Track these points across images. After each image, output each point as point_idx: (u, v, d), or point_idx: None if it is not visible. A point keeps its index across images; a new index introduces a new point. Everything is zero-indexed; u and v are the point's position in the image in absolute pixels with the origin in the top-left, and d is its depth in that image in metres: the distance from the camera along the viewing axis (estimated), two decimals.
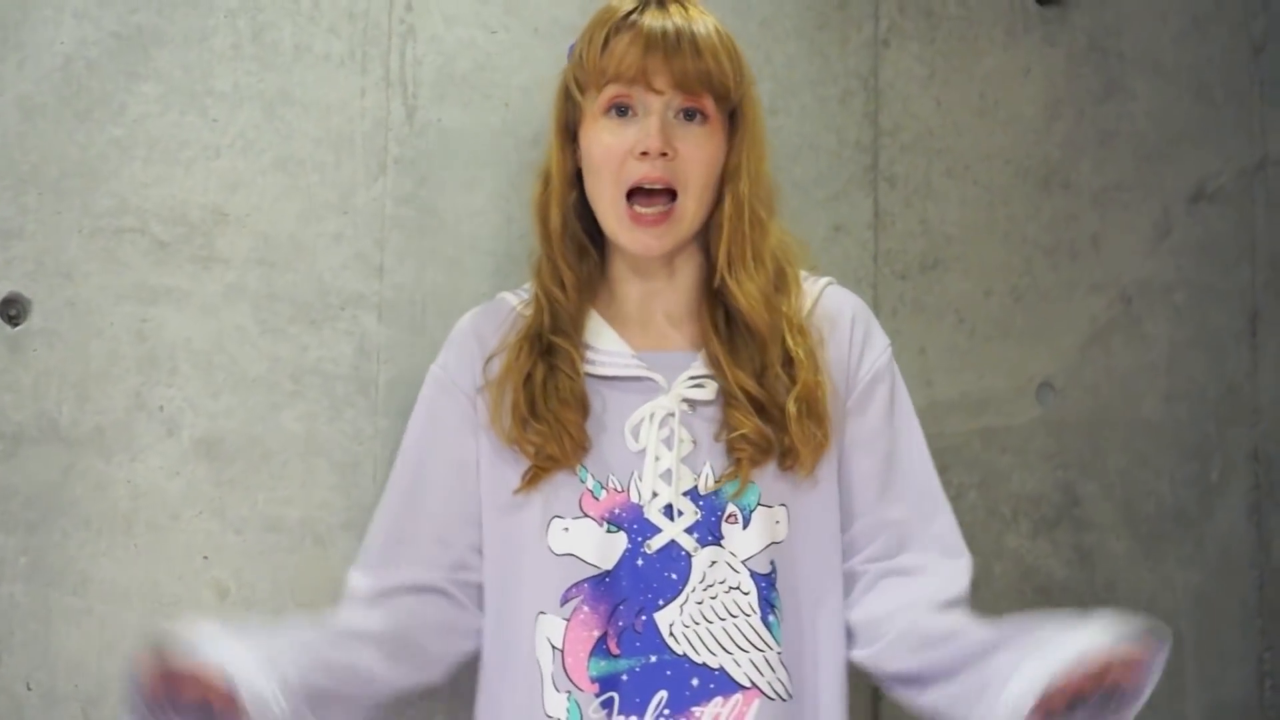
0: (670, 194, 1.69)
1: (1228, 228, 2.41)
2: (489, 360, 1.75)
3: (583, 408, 1.71)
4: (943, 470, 2.16)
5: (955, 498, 2.18)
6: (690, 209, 1.70)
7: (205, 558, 1.83)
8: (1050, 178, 2.30)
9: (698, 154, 1.69)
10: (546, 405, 1.69)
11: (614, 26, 1.69)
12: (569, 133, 1.76)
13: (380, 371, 1.92)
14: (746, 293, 1.70)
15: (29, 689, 1.76)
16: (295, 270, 1.89)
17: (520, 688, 1.70)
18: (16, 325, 1.78)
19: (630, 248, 1.72)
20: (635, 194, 1.69)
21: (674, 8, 1.70)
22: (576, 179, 1.76)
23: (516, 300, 1.81)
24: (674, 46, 1.66)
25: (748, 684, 1.65)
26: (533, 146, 1.99)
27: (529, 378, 1.71)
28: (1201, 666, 2.33)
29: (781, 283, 1.75)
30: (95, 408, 1.80)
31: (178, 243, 1.85)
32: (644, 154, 1.67)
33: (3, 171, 1.78)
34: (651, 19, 1.68)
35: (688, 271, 1.77)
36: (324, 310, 1.90)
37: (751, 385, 1.68)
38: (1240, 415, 2.39)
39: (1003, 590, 2.22)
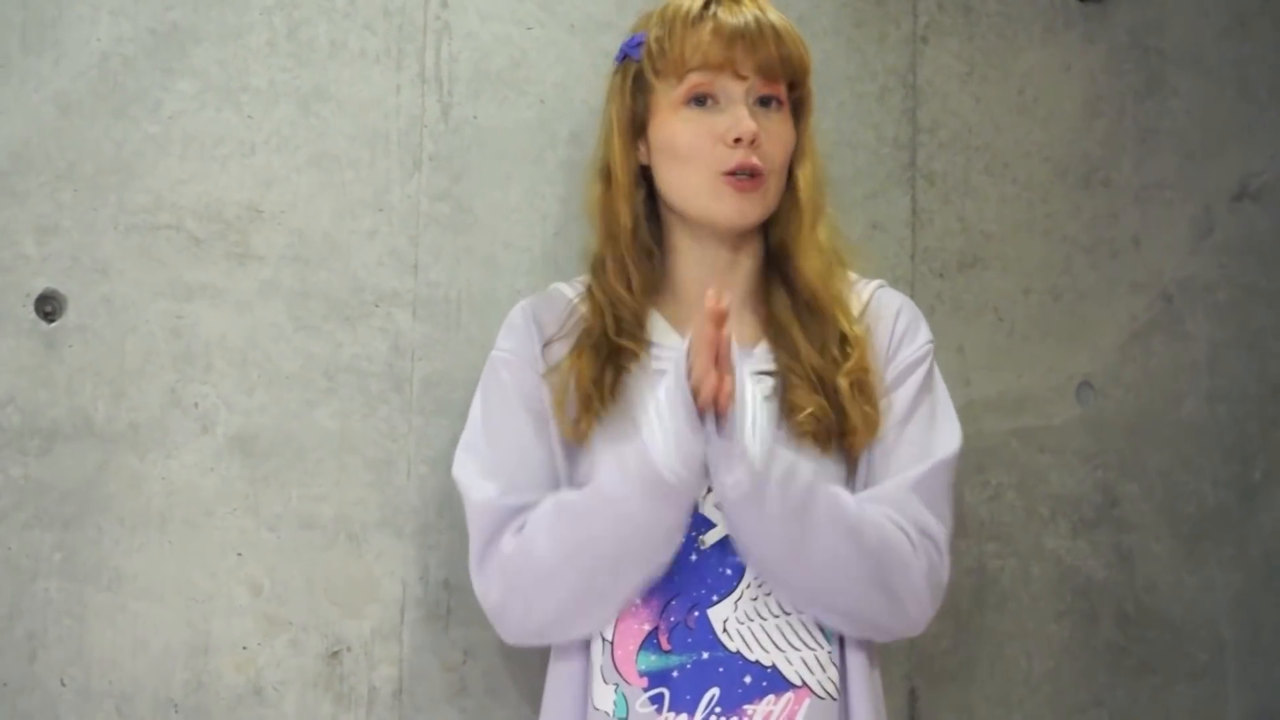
0: (756, 176, 1.71)
1: (1270, 226, 2.38)
2: (548, 344, 1.75)
3: None
4: (980, 470, 2.16)
5: (993, 498, 2.17)
6: (774, 188, 1.74)
7: (239, 555, 1.83)
8: (1090, 175, 2.28)
9: (777, 139, 1.73)
10: (617, 406, 1.70)
11: (695, 16, 1.72)
12: (635, 129, 1.77)
13: (415, 369, 1.91)
14: (813, 270, 1.74)
15: (63, 685, 1.76)
16: (330, 267, 1.89)
17: (571, 678, 1.70)
18: (52, 321, 1.78)
19: (726, 218, 1.72)
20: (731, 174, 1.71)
21: (747, 1, 1.74)
22: (642, 176, 1.77)
23: (572, 292, 1.80)
24: (757, 34, 1.70)
25: (799, 683, 1.65)
26: (568, 143, 1.99)
27: (597, 381, 1.70)
28: (1244, 669, 2.30)
29: (833, 270, 1.78)
30: (130, 404, 1.80)
31: (213, 239, 1.85)
32: (737, 140, 1.69)
33: (39, 168, 1.79)
34: (729, 12, 1.71)
35: (750, 259, 1.79)
36: (359, 307, 1.90)
37: (817, 360, 1.70)
38: None
39: (1040, 591, 2.20)
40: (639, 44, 1.76)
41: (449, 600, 1.90)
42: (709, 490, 1.64)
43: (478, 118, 1.97)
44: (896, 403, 1.73)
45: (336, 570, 1.87)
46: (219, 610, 1.82)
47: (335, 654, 1.87)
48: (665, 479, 1.54)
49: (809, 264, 1.75)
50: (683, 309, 1.77)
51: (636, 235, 1.76)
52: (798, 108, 1.78)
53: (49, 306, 1.78)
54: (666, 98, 1.73)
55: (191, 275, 1.84)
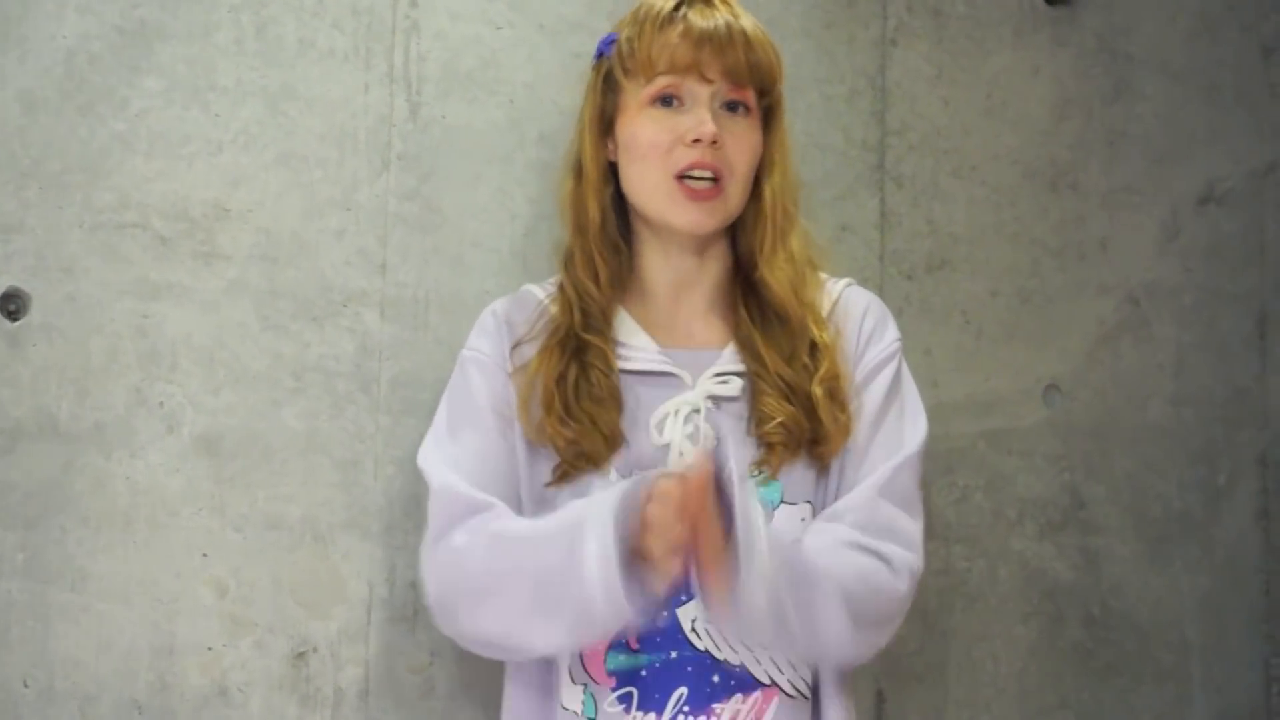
0: (716, 180, 1.71)
1: (1237, 230, 2.39)
2: (517, 345, 1.75)
3: (617, 404, 1.71)
4: (948, 471, 2.16)
5: (960, 500, 2.17)
6: (735, 194, 1.73)
7: (204, 555, 1.82)
8: (1058, 179, 2.29)
9: (742, 144, 1.73)
10: (580, 405, 1.69)
11: (666, 18, 1.72)
12: (604, 126, 1.78)
13: (382, 369, 1.91)
14: (779, 281, 1.73)
15: (26, 686, 1.75)
16: (297, 266, 1.88)
17: (535, 678, 1.70)
18: (16, 320, 1.77)
19: (681, 224, 1.72)
20: (683, 177, 1.71)
21: (720, 4, 1.74)
22: (611, 172, 1.78)
23: (543, 294, 1.81)
24: (725, 39, 1.70)
25: (768, 681, 1.65)
26: (537, 144, 1.99)
27: (561, 379, 1.71)
28: (1208, 671, 2.31)
29: (805, 278, 1.77)
30: (95, 404, 1.79)
31: (179, 238, 1.84)
32: (696, 141, 1.69)
33: (3, 165, 1.78)
34: (700, 14, 1.72)
35: (716, 264, 1.79)
36: (326, 307, 1.89)
37: (785, 370, 1.69)
38: (1248, 419, 2.38)
39: (1008, 593, 2.20)
40: (612, 42, 1.77)
41: (416, 601, 1.90)
42: None
43: (446, 117, 1.96)
44: (866, 404, 1.73)
45: (303, 571, 1.86)
46: (184, 611, 1.81)
47: (301, 655, 1.86)
48: (597, 613, 1.53)
49: (776, 275, 1.74)
50: (650, 309, 1.77)
51: (604, 229, 1.76)
52: (768, 116, 1.78)
53: (13, 305, 1.77)
54: (634, 97, 1.73)
55: (158, 274, 1.83)
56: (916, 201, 2.21)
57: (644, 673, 1.64)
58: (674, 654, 1.64)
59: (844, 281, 1.84)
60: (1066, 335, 2.28)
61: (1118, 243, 2.32)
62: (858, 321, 1.78)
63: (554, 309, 1.77)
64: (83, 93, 1.81)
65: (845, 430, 1.70)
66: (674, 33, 1.70)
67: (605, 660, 1.65)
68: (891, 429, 1.74)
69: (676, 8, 1.72)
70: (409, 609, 1.90)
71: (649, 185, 1.73)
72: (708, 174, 1.70)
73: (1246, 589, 2.35)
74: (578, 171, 1.79)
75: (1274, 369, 2.40)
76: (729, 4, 1.75)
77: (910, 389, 1.78)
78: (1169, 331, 2.34)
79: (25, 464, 1.76)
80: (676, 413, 1.69)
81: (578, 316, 1.74)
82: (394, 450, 1.90)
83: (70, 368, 1.79)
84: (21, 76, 1.79)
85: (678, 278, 1.77)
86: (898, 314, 2.14)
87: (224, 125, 1.87)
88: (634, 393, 1.72)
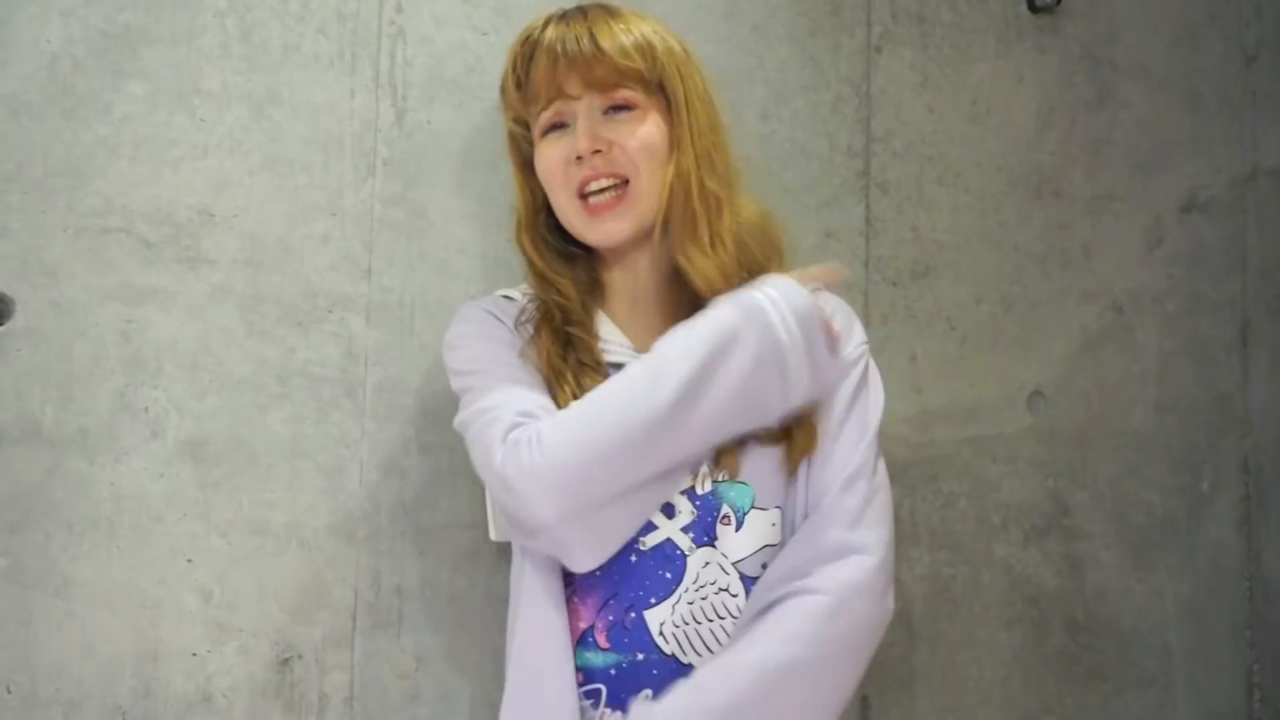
0: (622, 183, 1.71)
1: (1219, 238, 2.40)
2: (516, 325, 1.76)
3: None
4: (932, 478, 2.16)
5: (944, 506, 2.18)
6: (644, 188, 1.71)
7: (189, 561, 1.82)
8: (1042, 186, 2.30)
9: (631, 139, 1.71)
10: (578, 383, 1.68)
11: (523, 55, 1.74)
12: (528, 166, 1.79)
13: (368, 374, 1.91)
14: (699, 269, 1.69)
15: (9, 692, 1.74)
16: (282, 271, 1.88)
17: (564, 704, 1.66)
18: (0, 325, 1.76)
19: (596, 240, 1.74)
20: (587, 195, 1.72)
21: (575, 16, 1.73)
22: (545, 206, 1.79)
23: (519, 295, 1.80)
24: (576, 53, 1.69)
25: None
26: None
27: (564, 359, 1.70)
28: (1191, 677, 2.32)
29: (751, 267, 1.72)
30: (79, 409, 1.78)
31: (164, 243, 1.83)
32: (579, 158, 1.70)
33: None
34: (555, 32, 1.71)
35: (664, 264, 1.75)
36: (311, 312, 1.89)
37: None
38: (1230, 426, 2.39)
39: (991, 600, 2.21)
40: None
41: (401, 607, 1.89)
42: None
43: (432, 123, 1.96)
44: (835, 407, 1.70)
45: (287, 577, 1.86)
46: (168, 616, 1.80)
47: (286, 661, 1.85)
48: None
49: (696, 265, 1.69)
50: (619, 311, 1.77)
51: (547, 254, 1.78)
52: (671, 102, 1.74)
53: None
54: (535, 133, 1.76)
55: (142, 279, 1.82)
56: (901, 208, 2.21)
57: (613, 671, 1.64)
58: (640, 655, 1.64)
59: (809, 288, 1.81)
60: (1050, 342, 2.29)
61: (1101, 249, 2.32)
62: None
63: (531, 308, 1.76)
64: (67, 97, 1.81)
65: (811, 436, 1.67)
66: (536, 65, 1.72)
67: (575, 656, 1.64)
68: (855, 427, 1.70)
69: (530, 41, 1.74)
70: (394, 615, 1.90)
71: (562, 210, 1.75)
72: (604, 182, 1.70)
73: (1229, 595, 2.36)
74: (518, 210, 1.82)
75: (1256, 375, 2.40)
76: (589, 12, 1.73)
77: (876, 385, 1.74)
78: (1152, 338, 2.35)
79: (9, 469, 1.76)
80: None
81: (558, 315, 1.74)
82: (379, 455, 1.89)
83: (54, 372, 1.78)
84: (5, 81, 1.78)
85: (636, 285, 1.77)
86: (882, 321, 2.16)
87: (209, 130, 1.86)
88: None
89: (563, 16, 1.73)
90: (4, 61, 1.78)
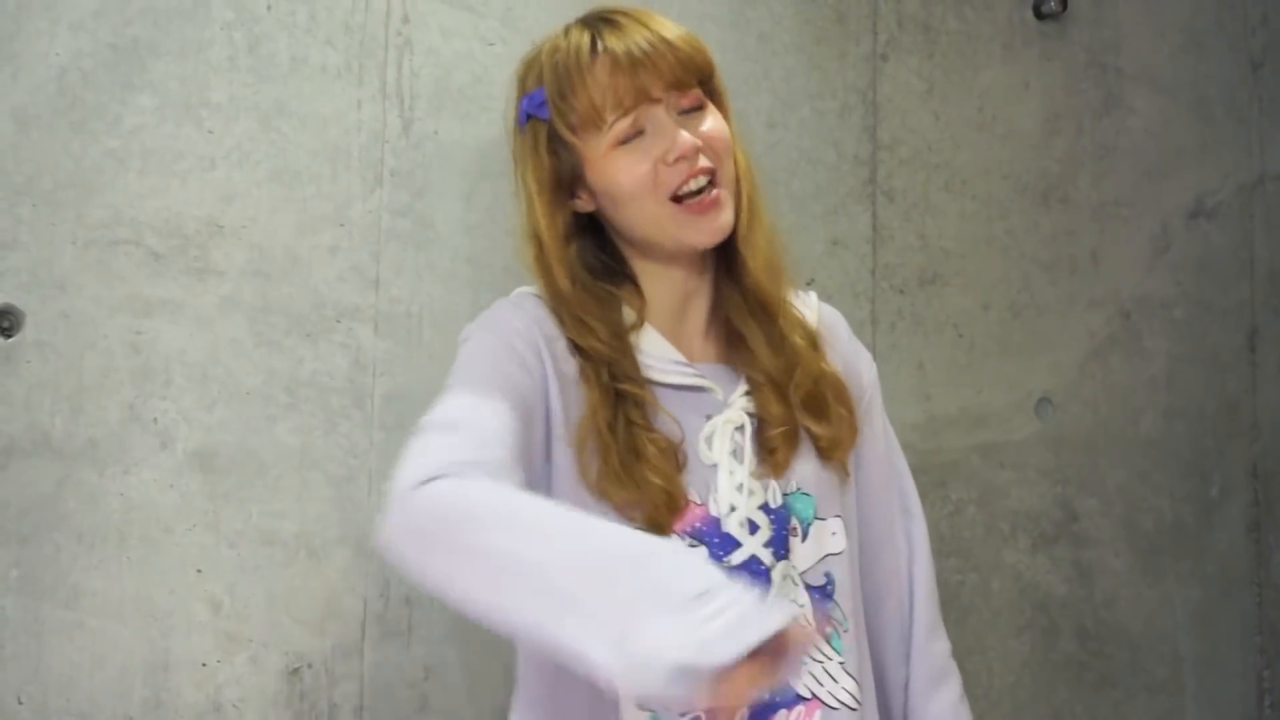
0: (712, 179, 1.65)
1: (1226, 243, 2.40)
2: (548, 340, 1.64)
3: (674, 459, 1.62)
4: (941, 485, 2.16)
5: (954, 513, 2.18)
6: (730, 176, 1.67)
7: (199, 571, 1.82)
8: (1049, 193, 2.30)
9: (713, 131, 1.67)
10: (637, 465, 1.59)
11: (588, 60, 1.64)
12: (561, 186, 1.69)
13: (376, 384, 1.91)
14: (755, 257, 1.68)
15: (20, 703, 1.75)
16: (291, 283, 1.88)
17: (590, 704, 1.58)
18: (10, 337, 1.77)
19: (704, 240, 1.65)
20: (680, 198, 1.65)
21: (622, 20, 1.67)
22: (575, 230, 1.70)
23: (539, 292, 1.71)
24: (654, 55, 1.64)
25: (808, 695, 1.63)
26: None
27: (611, 426, 1.61)
28: (1201, 683, 2.31)
29: (778, 268, 1.71)
30: (89, 420, 1.79)
31: (172, 255, 1.84)
32: (680, 159, 1.62)
33: None
34: (617, 40, 1.64)
35: (709, 268, 1.73)
36: (319, 323, 1.89)
37: (772, 364, 1.66)
38: (1239, 431, 2.39)
39: (1001, 606, 2.21)
40: (542, 103, 1.68)
41: (410, 617, 1.90)
42: (732, 509, 1.63)
43: (439, 133, 1.97)
44: (876, 429, 1.74)
45: (297, 587, 1.86)
46: (178, 627, 1.81)
47: (296, 671, 1.86)
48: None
49: (754, 251, 1.68)
50: (665, 325, 1.71)
51: (580, 289, 1.68)
52: (719, 102, 1.71)
53: (6, 322, 1.77)
54: (594, 149, 1.65)
55: (151, 290, 1.83)
56: (908, 216, 2.21)
57: None
58: None
59: (811, 293, 1.80)
60: (1058, 349, 2.29)
61: (1108, 256, 2.32)
62: (845, 338, 1.78)
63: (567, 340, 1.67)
64: (76, 110, 1.81)
65: (852, 429, 1.69)
66: (603, 71, 1.63)
67: None
68: (896, 466, 1.78)
69: (593, 44, 1.65)
70: (403, 625, 1.90)
71: (648, 219, 1.66)
72: (702, 181, 1.67)
73: (1239, 601, 2.36)
74: (536, 240, 1.69)
75: (1265, 381, 2.40)
76: (632, 15, 1.68)
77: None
78: (1160, 344, 2.35)
79: (19, 480, 1.76)
80: (721, 429, 1.64)
81: (604, 372, 1.64)
82: (388, 465, 1.87)
83: (64, 384, 1.78)
84: (14, 93, 1.79)
85: (684, 290, 1.72)
86: (890, 328, 2.16)
87: (217, 142, 1.87)
88: (670, 406, 1.64)
89: (595, 24, 1.66)
90: (13, 74, 1.79)
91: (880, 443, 1.77)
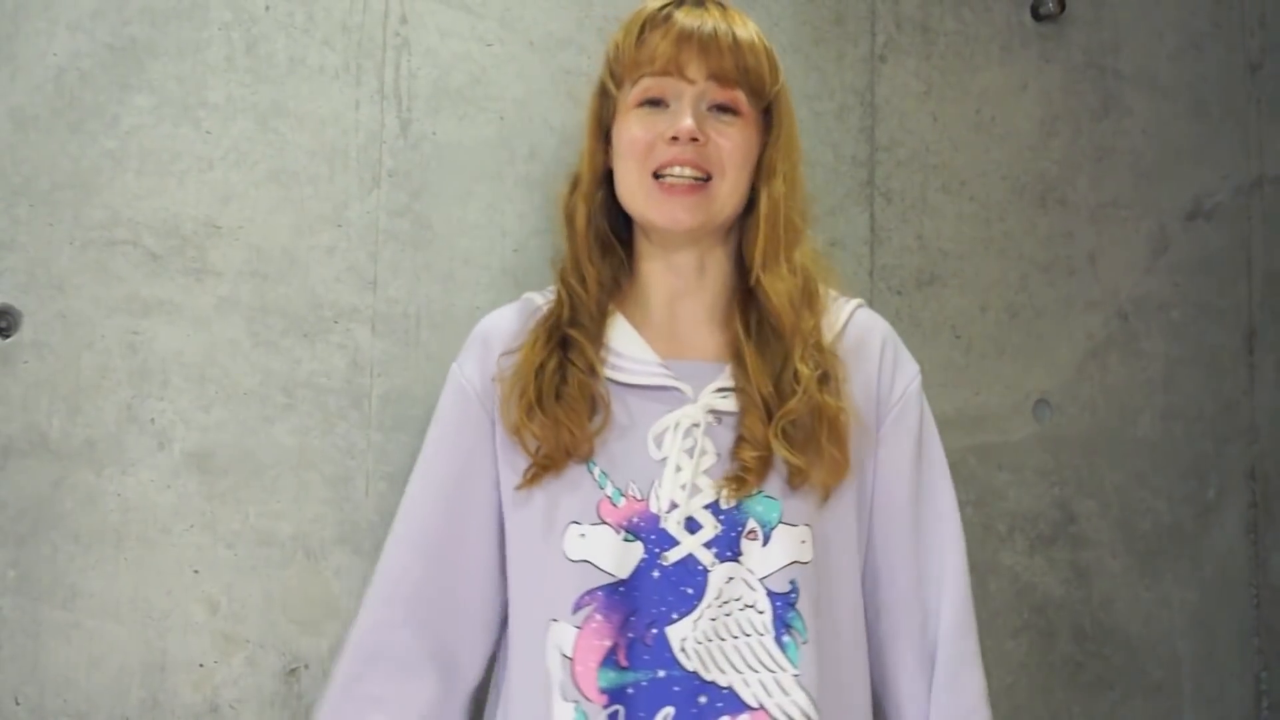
0: (704, 179, 1.69)
1: (1224, 245, 2.40)
2: (506, 354, 1.73)
3: (590, 407, 1.67)
4: None
5: None
6: (723, 192, 1.70)
7: (196, 572, 1.82)
8: (1047, 194, 2.30)
9: (729, 142, 1.70)
10: (553, 400, 1.67)
11: (650, 20, 1.71)
12: (603, 131, 1.77)
13: (373, 385, 1.91)
14: (778, 293, 1.69)
15: (17, 703, 1.74)
16: (288, 283, 1.88)
17: (528, 694, 1.67)
18: (7, 337, 1.77)
19: (660, 222, 1.70)
20: (661, 176, 1.69)
21: (712, 6, 1.72)
22: (605, 179, 1.77)
23: (542, 300, 1.79)
24: (709, 38, 1.69)
25: (756, 705, 1.61)
26: (527, 160, 1.99)
27: (541, 368, 1.68)
28: (1198, 685, 2.31)
29: (809, 299, 1.73)
30: (86, 420, 1.79)
31: (170, 255, 1.84)
32: (674, 139, 1.67)
33: None
34: (687, 14, 1.70)
35: (717, 273, 1.76)
36: (317, 323, 1.89)
37: (768, 389, 1.66)
38: (1237, 433, 2.39)
39: (999, 608, 2.21)
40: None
41: None
42: (673, 506, 1.64)
43: (437, 134, 1.97)
44: (898, 450, 1.75)
45: (294, 587, 1.86)
46: (175, 628, 1.81)
47: (293, 672, 1.85)
48: None
49: (776, 286, 1.70)
50: (650, 317, 1.75)
51: (592, 232, 1.75)
52: (770, 122, 1.75)
53: (4, 322, 1.77)
54: (624, 101, 1.72)
55: (148, 291, 1.83)
56: (906, 217, 2.21)
57: (631, 690, 1.61)
58: (662, 673, 1.61)
59: (854, 302, 1.80)
60: (1056, 350, 2.29)
61: (1106, 257, 2.32)
62: (877, 351, 1.77)
63: (547, 309, 1.76)
64: (73, 110, 1.81)
65: (838, 469, 1.67)
66: (659, 35, 1.69)
67: (598, 677, 1.63)
68: (929, 486, 1.77)
69: (664, 10, 1.71)
70: None
71: (631, 184, 1.71)
72: (687, 170, 1.68)
73: (1236, 603, 2.36)
74: (575, 179, 1.79)
75: (1263, 383, 2.40)
76: (723, 7, 1.73)
77: (933, 425, 1.79)
78: (1158, 346, 2.35)
79: (16, 481, 1.76)
80: (676, 426, 1.67)
81: (566, 313, 1.72)
82: (385, 466, 1.90)
83: (61, 384, 1.78)
84: (12, 94, 1.79)
85: (677, 286, 1.75)
86: None
87: (215, 142, 1.87)
88: (627, 404, 1.69)
89: (698, 1, 1.73)
90: (11, 75, 1.79)
91: (906, 459, 1.75)
